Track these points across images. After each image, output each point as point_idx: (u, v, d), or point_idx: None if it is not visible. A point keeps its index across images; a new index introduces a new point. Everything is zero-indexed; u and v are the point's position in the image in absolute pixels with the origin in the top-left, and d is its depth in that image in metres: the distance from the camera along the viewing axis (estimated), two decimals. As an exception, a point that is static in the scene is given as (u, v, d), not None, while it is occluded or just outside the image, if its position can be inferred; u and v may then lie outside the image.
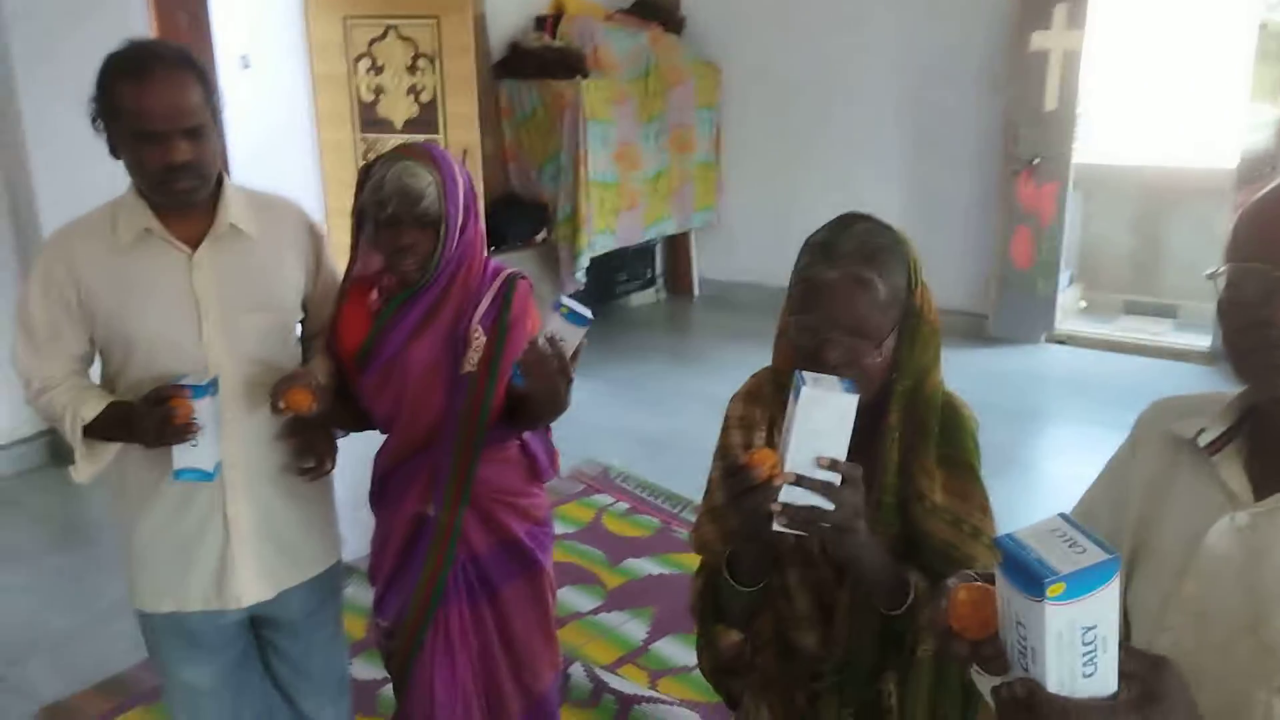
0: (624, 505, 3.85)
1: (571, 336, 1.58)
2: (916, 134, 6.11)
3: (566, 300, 1.58)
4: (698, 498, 3.79)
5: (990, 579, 0.84)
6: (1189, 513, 1.00)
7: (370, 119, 5.16)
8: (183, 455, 1.61)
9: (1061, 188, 5.72)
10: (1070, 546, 0.76)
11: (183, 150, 1.56)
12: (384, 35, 5.05)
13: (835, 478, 1.14)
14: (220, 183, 1.71)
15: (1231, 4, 5.77)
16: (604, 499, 3.89)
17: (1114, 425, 4.77)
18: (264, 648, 1.94)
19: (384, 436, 1.92)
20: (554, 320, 1.58)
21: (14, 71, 3.89)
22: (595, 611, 3.11)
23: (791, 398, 1.15)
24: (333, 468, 1.84)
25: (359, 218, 1.78)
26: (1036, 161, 5.63)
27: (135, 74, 1.55)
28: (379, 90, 5.13)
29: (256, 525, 1.78)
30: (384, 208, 1.68)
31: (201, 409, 1.58)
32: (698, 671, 2.77)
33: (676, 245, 6.99)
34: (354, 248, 1.82)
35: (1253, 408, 1.00)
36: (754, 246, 6.75)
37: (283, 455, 1.78)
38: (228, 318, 1.71)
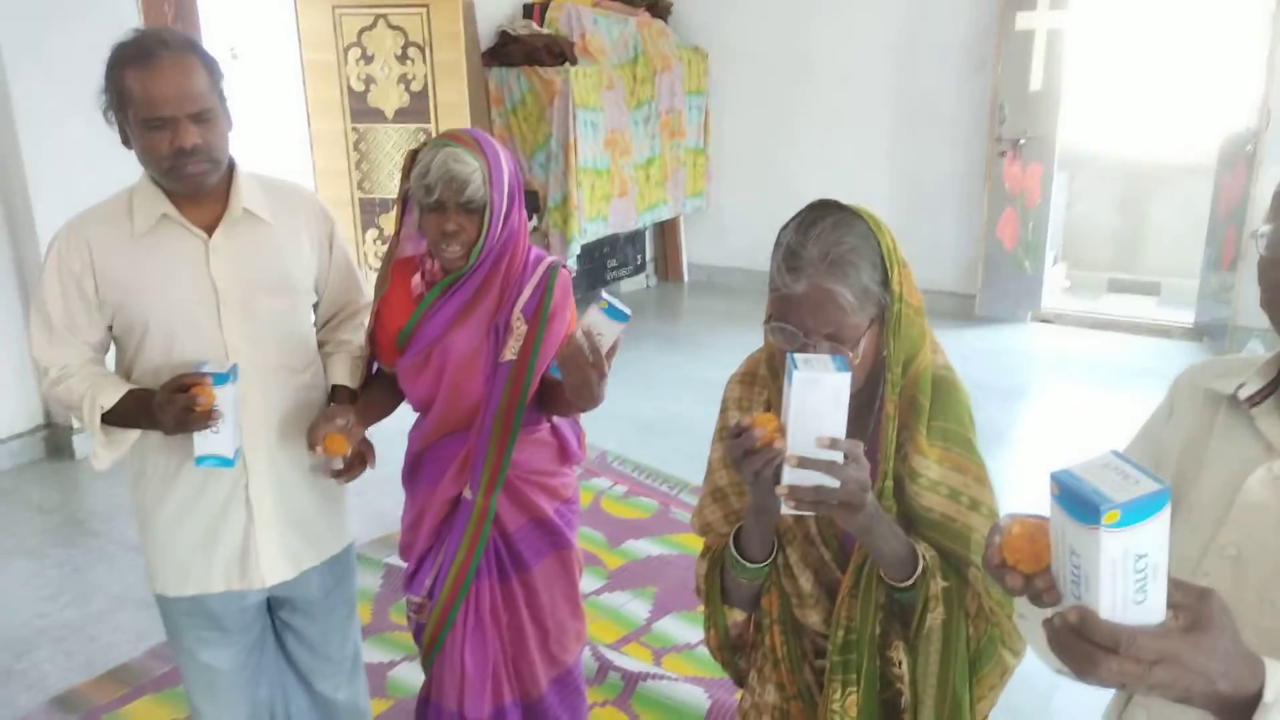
0: (622, 488, 3.90)
1: (609, 331, 1.58)
2: (903, 116, 6.16)
3: (607, 296, 1.59)
4: (694, 480, 3.90)
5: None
6: (1227, 465, 1.04)
7: (361, 108, 5.16)
8: (204, 442, 1.64)
9: (1047, 168, 5.78)
10: (1123, 478, 0.80)
11: (192, 134, 1.58)
12: (374, 24, 5.04)
13: (838, 456, 1.16)
14: (233, 169, 1.73)
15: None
16: (602, 482, 3.93)
17: (1100, 401, 4.86)
18: (281, 630, 1.97)
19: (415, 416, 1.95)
20: (592, 314, 1.58)
21: (5, 72, 3.89)
22: (598, 592, 3.16)
23: (785, 382, 1.17)
24: (372, 466, 1.88)
25: (403, 202, 1.80)
26: (1022, 142, 5.69)
27: (142, 61, 1.56)
28: (369, 80, 5.13)
29: (277, 506, 1.81)
30: (430, 193, 1.69)
31: (223, 396, 1.60)
32: (701, 648, 2.86)
33: (666, 231, 7.02)
34: (397, 232, 1.84)
35: None
36: (743, 231, 6.80)
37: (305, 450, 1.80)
38: (245, 301, 1.73)
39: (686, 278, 7.11)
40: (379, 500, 3.67)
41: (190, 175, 1.62)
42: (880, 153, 6.24)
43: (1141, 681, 0.82)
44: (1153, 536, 0.79)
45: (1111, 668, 0.80)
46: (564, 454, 1.98)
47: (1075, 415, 4.63)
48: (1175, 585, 0.84)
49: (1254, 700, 0.84)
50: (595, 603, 3.09)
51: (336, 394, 1.85)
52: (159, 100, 1.55)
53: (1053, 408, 4.89)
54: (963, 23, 5.81)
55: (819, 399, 1.15)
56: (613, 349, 1.62)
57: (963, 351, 5.19)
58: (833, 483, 1.16)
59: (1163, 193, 6.46)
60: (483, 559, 1.90)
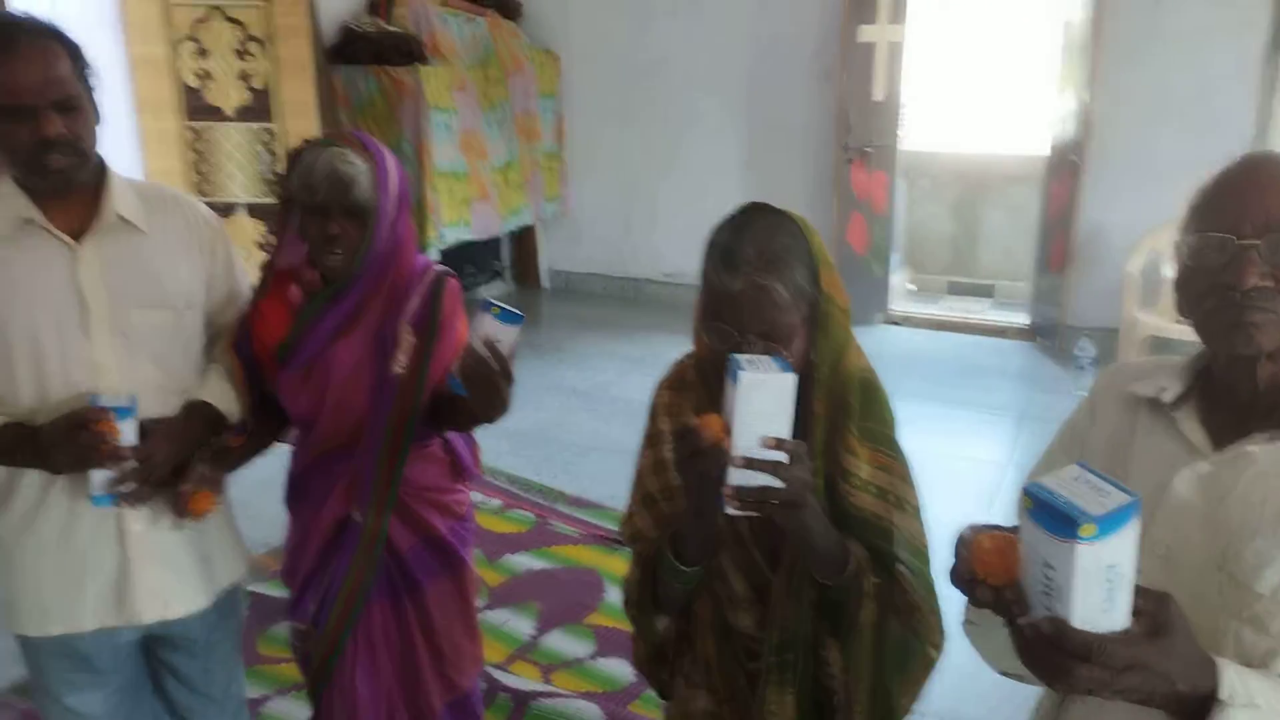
0: (497, 502, 3.79)
1: (506, 336, 1.53)
2: (754, 122, 6.29)
3: (496, 301, 1.54)
4: (570, 490, 3.85)
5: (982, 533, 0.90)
6: (1152, 465, 1.09)
7: (198, 105, 4.82)
8: (100, 479, 1.50)
9: (890, 175, 6.03)
10: (1095, 490, 0.83)
11: (55, 123, 1.45)
12: (207, 17, 4.73)
13: (783, 456, 1.16)
14: (104, 170, 1.59)
15: (1039, 2, 6.23)
16: (476, 496, 3.76)
17: (947, 400, 5.10)
18: (158, 671, 1.80)
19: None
20: (486, 322, 1.52)
21: None
22: (480, 611, 3.03)
23: (729, 382, 1.16)
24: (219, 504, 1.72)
25: (285, 206, 1.69)
26: (868, 150, 5.91)
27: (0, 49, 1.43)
28: (206, 75, 4.80)
29: (157, 539, 1.65)
30: (313, 194, 1.61)
31: (126, 430, 1.48)
32: (590, 662, 2.81)
33: (523, 237, 6.92)
34: (278, 237, 1.71)
35: (1207, 367, 1.11)
36: (600, 236, 6.79)
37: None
38: (117, 316, 1.57)
39: (546, 284, 7.02)
40: (241, 524, 3.43)
41: (55, 169, 1.48)
42: (732, 159, 6.35)
43: (1109, 687, 0.85)
44: (1124, 547, 0.82)
45: (1083, 675, 0.83)
46: (457, 469, 1.91)
47: (926, 413, 4.84)
48: (1136, 591, 0.86)
49: (1207, 699, 0.88)
50: (479, 621, 2.97)
51: (190, 411, 1.66)
52: (19, 88, 1.43)
53: (906, 406, 5.04)
54: (809, 32, 5.99)
55: (764, 399, 1.15)
56: (512, 353, 1.57)
57: (820, 353, 5.33)
58: (777, 483, 1.16)
59: (995, 199, 6.87)
60: (373, 584, 1.79)
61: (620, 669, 2.73)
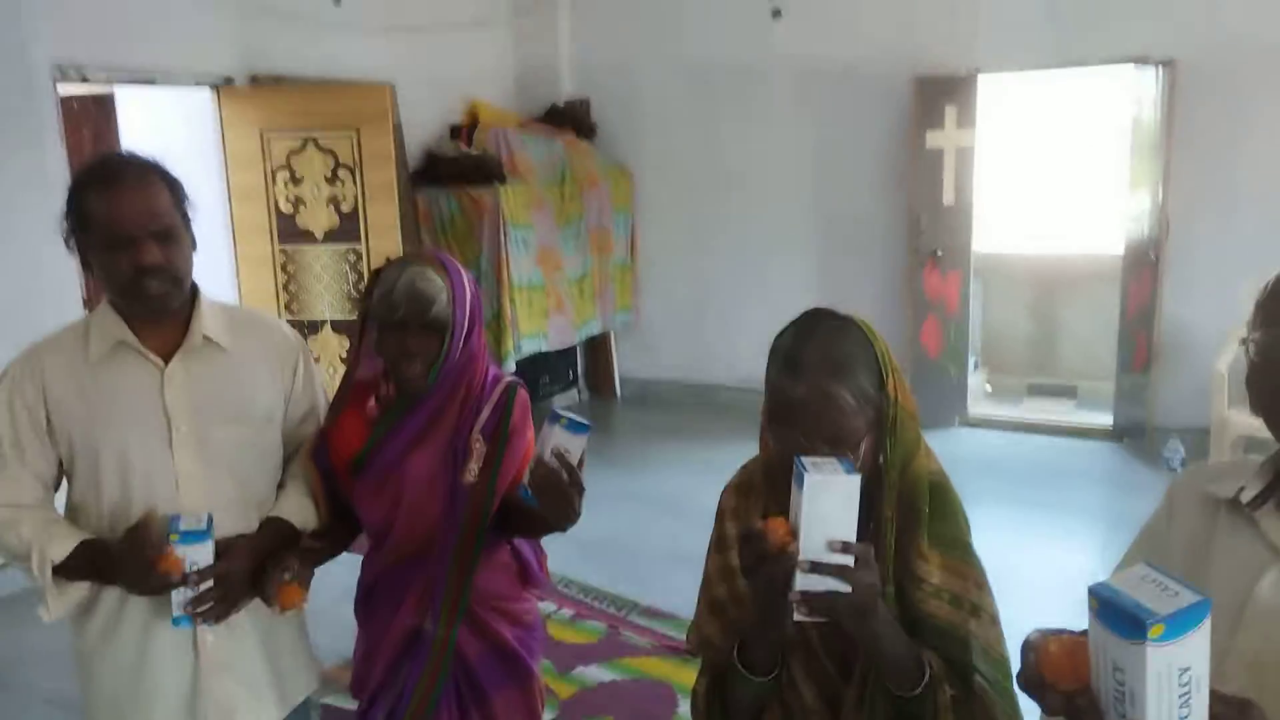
0: (568, 612, 3.77)
1: (575, 446, 1.56)
2: (824, 229, 6.37)
3: (563, 411, 1.57)
4: (642, 599, 3.81)
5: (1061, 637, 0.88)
6: (1234, 569, 1.05)
7: (289, 230, 5.10)
8: (179, 601, 1.56)
9: (964, 277, 6.01)
10: (1162, 590, 0.81)
11: (153, 253, 1.55)
12: (303, 147, 5.04)
13: (849, 560, 1.14)
14: (195, 295, 1.70)
15: (1106, 101, 6.25)
16: (548, 606, 3.79)
17: (1029, 501, 4.94)
18: None
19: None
20: (555, 434, 1.55)
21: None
22: (550, 723, 3.01)
23: (795, 486, 1.16)
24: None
25: (363, 322, 1.77)
26: (939, 253, 5.91)
27: (104, 181, 1.56)
28: (298, 201, 5.09)
29: (231, 649, 1.69)
30: (394, 311, 1.68)
31: (202, 552, 1.54)
32: (665, 778, 2.73)
33: (597, 346, 7.04)
34: (355, 352, 1.79)
35: None
36: (673, 345, 6.86)
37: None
38: (200, 431, 1.66)
39: (619, 393, 7.10)
40: (313, 634, 3.47)
41: (152, 296, 1.58)
42: (803, 266, 6.41)
43: None
44: (1195, 649, 0.80)
45: None
46: (525, 577, 1.92)
47: (1007, 516, 4.69)
48: (1215, 697, 0.84)
49: None
50: (550, 735, 2.94)
51: (266, 526, 1.72)
52: (120, 219, 1.54)
53: (986, 509, 4.89)
54: (878, 140, 6.09)
55: (830, 502, 1.14)
56: (581, 461, 1.60)
57: (897, 457, 5.24)
58: (844, 587, 1.14)
59: (1073, 298, 6.76)
60: (441, 692, 1.80)
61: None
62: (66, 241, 1.60)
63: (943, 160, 5.84)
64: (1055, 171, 6.84)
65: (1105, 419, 5.87)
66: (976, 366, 6.63)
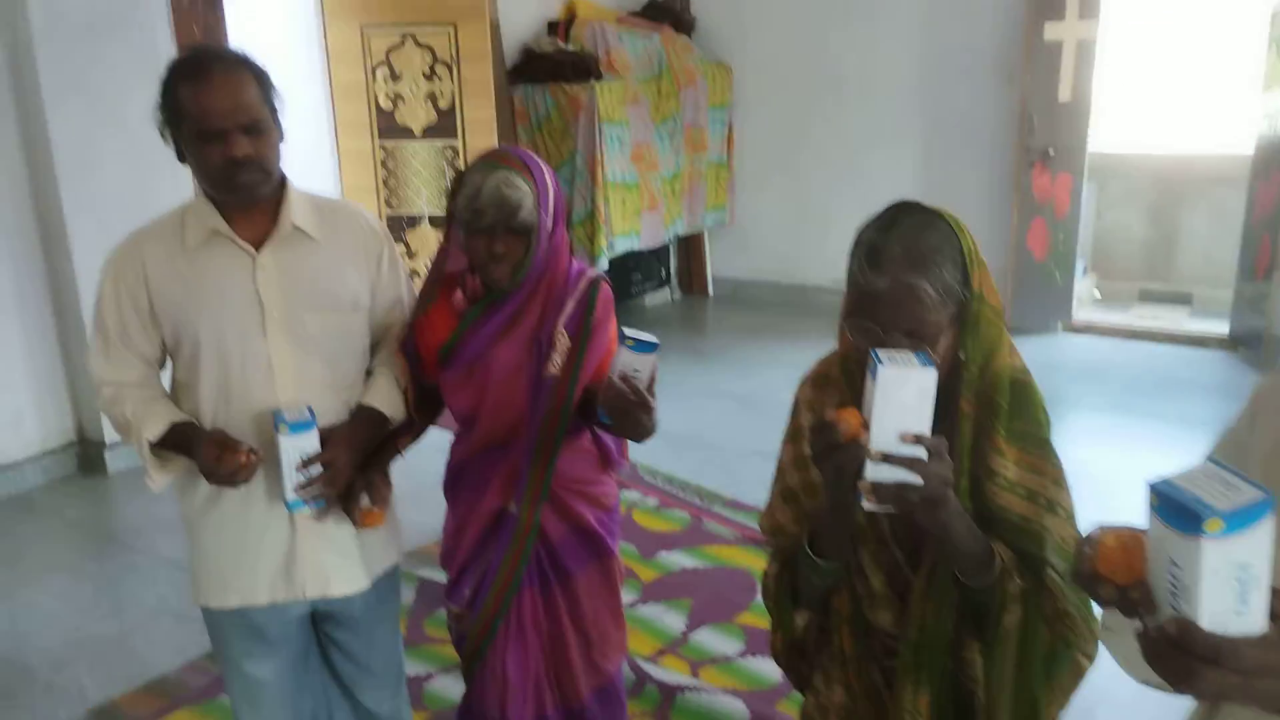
0: (653, 501, 3.87)
1: (644, 366, 1.59)
2: (929, 128, 6.14)
3: (630, 332, 1.59)
4: (726, 492, 3.88)
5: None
6: None
7: (388, 126, 5.19)
8: (292, 485, 1.68)
9: (1076, 178, 5.75)
10: (1225, 486, 0.79)
11: (243, 145, 1.60)
12: (402, 43, 5.08)
13: (921, 452, 1.15)
14: (284, 185, 1.75)
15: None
16: (634, 495, 3.91)
17: (1134, 410, 4.79)
18: (325, 643, 1.96)
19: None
20: (623, 355, 1.58)
21: (41, 94, 3.92)
22: (632, 605, 3.13)
23: (869, 377, 1.16)
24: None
25: (450, 220, 1.81)
26: (1051, 152, 5.65)
27: (195, 75, 1.60)
28: (397, 98, 5.16)
29: (324, 523, 1.80)
30: (481, 217, 1.70)
31: (309, 441, 1.67)
32: (738, 660, 2.84)
33: (691, 245, 7.02)
34: (444, 249, 1.84)
35: None
36: (767, 244, 6.79)
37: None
38: (291, 318, 1.73)
39: (711, 292, 7.09)
40: (411, 513, 3.63)
41: (242, 185, 1.64)
42: (906, 165, 6.22)
43: (1241, 693, 0.80)
44: (1256, 546, 0.78)
45: (1212, 679, 0.79)
46: (605, 461, 1.97)
47: (1111, 424, 4.57)
48: (1277, 595, 0.82)
49: None
50: (630, 615, 3.04)
51: (361, 413, 1.81)
52: (212, 112, 1.58)
53: (1088, 417, 4.82)
54: (989, 34, 5.79)
55: (904, 394, 1.14)
56: (652, 379, 1.63)
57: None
58: (915, 479, 1.15)
59: (1194, 201, 6.40)
60: (525, 572, 1.89)
61: (768, 668, 2.74)
62: (162, 133, 1.66)
63: (1061, 53, 5.52)
64: (1183, 67, 6.39)
65: (1221, 327, 5.61)
66: (1085, 271, 6.38)
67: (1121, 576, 0.88)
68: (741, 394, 5.06)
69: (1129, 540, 0.88)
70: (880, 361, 1.14)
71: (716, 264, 7.10)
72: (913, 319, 1.25)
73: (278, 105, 1.69)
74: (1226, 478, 0.81)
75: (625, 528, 3.59)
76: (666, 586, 3.25)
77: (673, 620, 3.06)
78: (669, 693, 2.67)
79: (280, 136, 1.69)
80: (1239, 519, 0.77)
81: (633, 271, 6.51)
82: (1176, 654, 0.80)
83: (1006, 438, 1.33)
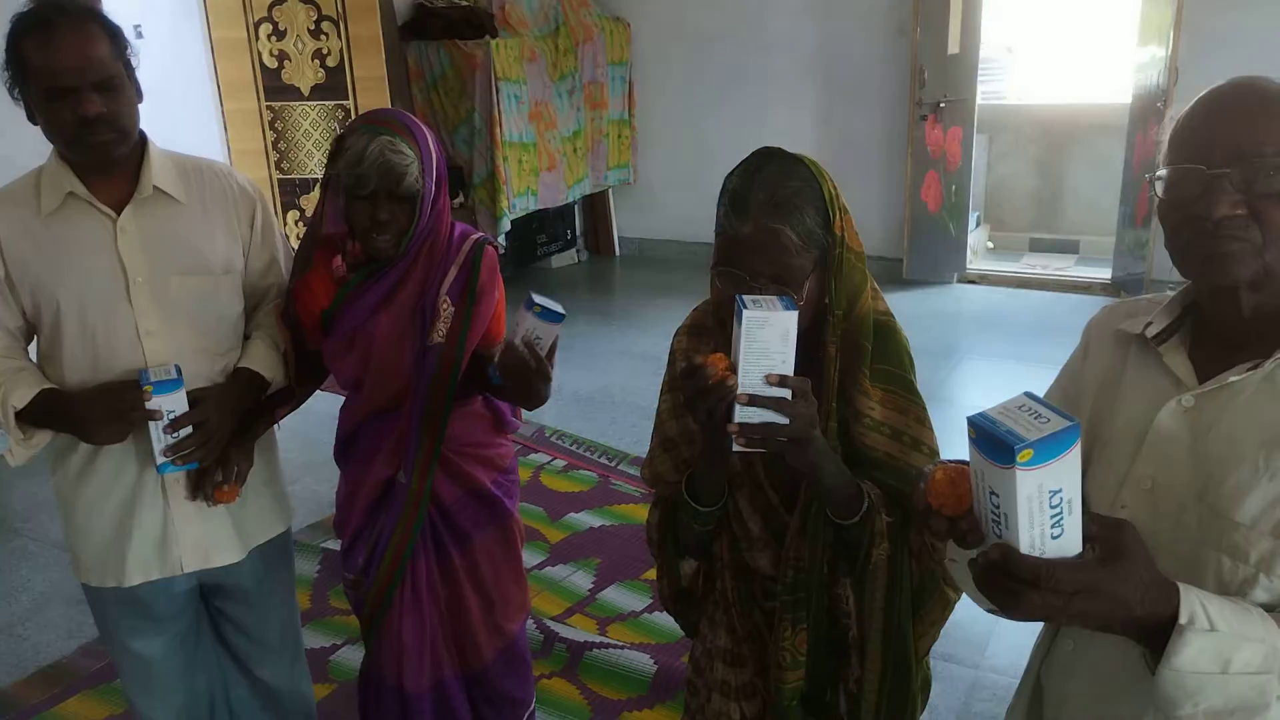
0: (561, 463, 3.88)
1: (546, 334, 1.57)
2: (827, 82, 6.20)
3: (539, 299, 1.56)
4: (633, 451, 3.91)
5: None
6: (1139, 401, 1.08)
7: (275, 86, 5.00)
8: (162, 447, 1.61)
9: (966, 130, 5.88)
10: (1035, 418, 0.84)
11: (95, 103, 1.52)
12: (283, -1, 4.90)
13: (786, 393, 1.18)
14: (144, 145, 1.67)
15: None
16: (541, 457, 3.91)
17: (1026, 357, 4.97)
18: (216, 617, 1.92)
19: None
20: (528, 320, 1.55)
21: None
22: (540, 566, 3.14)
23: (735, 322, 1.18)
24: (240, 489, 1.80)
25: (326, 185, 1.75)
26: (942, 105, 5.77)
27: (40, 30, 1.51)
28: (283, 56, 4.97)
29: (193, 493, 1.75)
30: (364, 183, 1.64)
31: (175, 401, 1.59)
32: (645, 615, 2.88)
33: (595, 205, 6.98)
34: (318, 213, 1.78)
35: (1193, 302, 1.09)
36: (672, 203, 6.80)
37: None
38: (156, 283, 1.67)
39: (618, 251, 7.08)
40: (314, 485, 3.60)
41: (96, 145, 1.56)
42: (805, 120, 6.27)
43: (1063, 613, 0.86)
44: (1066, 472, 0.82)
45: (1034, 601, 0.84)
46: (499, 424, 1.96)
47: (1004, 371, 4.74)
48: (1091, 518, 0.88)
49: (1169, 624, 0.88)
50: (538, 576, 3.08)
51: (236, 377, 1.76)
52: (59, 69, 1.50)
53: (983, 365, 4.99)
54: (881, -14, 5.85)
55: (768, 337, 1.16)
56: (553, 349, 1.61)
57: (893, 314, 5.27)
58: (781, 419, 1.18)
59: (1080, 152, 6.63)
60: (419, 538, 1.87)
61: (674, 622, 2.79)
62: (11, 93, 1.57)
63: (949, 7, 5.62)
64: (1066, 20, 6.58)
65: (1105, 273, 5.85)
66: (978, 223, 6.56)
67: (950, 508, 0.92)
68: (649, 353, 5.08)
69: (956, 474, 0.93)
70: (744, 306, 1.16)
71: (622, 224, 7.08)
72: (776, 264, 1.27)
73: (133, 62, 1.61)
74: (1038, 409, 0.85)
75: (533, 491, 3.61)
76: (574, 547, 3.27)
77: (580, 579, 3.08)
78: (577, 650, 2.70)
79: (137, 95, 1.62)
80: (1049, 448, 0.81)
81: (538, 233, 6.45)
82: (1001, 579, 0.85)
83: (871, 379, 1.37)
